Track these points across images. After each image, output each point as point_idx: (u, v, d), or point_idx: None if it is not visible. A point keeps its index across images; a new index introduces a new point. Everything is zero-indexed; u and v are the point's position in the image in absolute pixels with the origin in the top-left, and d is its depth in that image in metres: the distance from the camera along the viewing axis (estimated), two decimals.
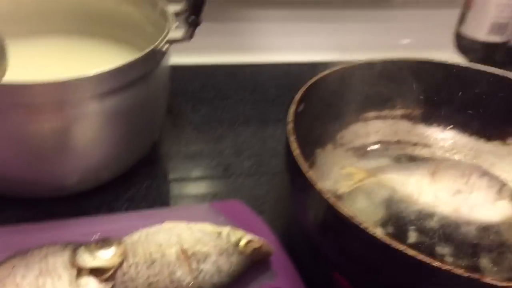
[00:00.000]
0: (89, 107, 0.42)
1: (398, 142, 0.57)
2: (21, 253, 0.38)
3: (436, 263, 0.31)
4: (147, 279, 0.37)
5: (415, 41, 0.85)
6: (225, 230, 0.41)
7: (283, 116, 0.63)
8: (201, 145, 0.58)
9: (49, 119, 0.42)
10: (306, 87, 0.48)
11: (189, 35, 0.46)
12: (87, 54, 0.54)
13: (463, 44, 0.84)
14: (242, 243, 0.40)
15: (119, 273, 0.37)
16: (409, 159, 0.56)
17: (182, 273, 0.37)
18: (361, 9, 0.79)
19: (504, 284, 0.29)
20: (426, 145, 0.57)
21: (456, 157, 0.56)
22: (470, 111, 0.56)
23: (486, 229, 0.47)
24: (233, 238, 0.40)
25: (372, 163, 0.55)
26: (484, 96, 0.55)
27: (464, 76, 0.55)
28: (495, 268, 0.43)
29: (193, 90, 0.67)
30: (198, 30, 0.47)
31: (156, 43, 0.44)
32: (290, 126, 0.42)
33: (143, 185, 0.51)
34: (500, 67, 0.81)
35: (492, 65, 0.76)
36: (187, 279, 0.37)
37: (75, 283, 0.36)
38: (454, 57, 0.82)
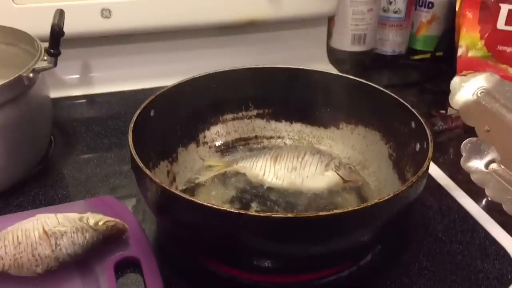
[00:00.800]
0: None
1: (256, 137, 0.68)
2: None
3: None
4: (13, 256, 0.45)
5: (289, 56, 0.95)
6: (86, 215, 0.50)
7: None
8: (88, 156, 0.67)
9: None
10: (155, 95, 0.57)
11: (53, 64, 0.57)
12: None
13: (334, 55, 0.97)
14: (100, 223, 0.49)
15: None
16: (264, 149, 0.66)
17: (42, 249, 0.45)
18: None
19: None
20: (279, 137, 0.68)
21: (304, 143, 0.67)
22: (309, 106, 0.67)
23: (316, 196, 0.57)
24: (92, 220, 0.49)
25: (231, 156, 0.65)
26: (320, 93, 0.66)
27: (301, 77, 0.66)
28: None
29: (88, 117, 0.77)
30: None
31: (24, 70, 0.54)
32: (131, 126, 0.51)
33: (31, 193, 0.60)
34: (367, 72, 0.94)
35: (362, 71, 0.89)
36: (46, 252, 0.45)
37: None
38: (329, 68, 0.94)
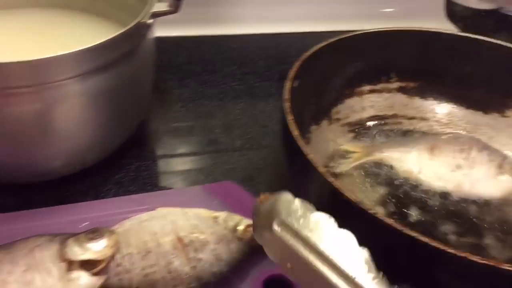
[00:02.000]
0: (70, 87, 0.39)
1: (394, 116, 0.56)
2: (5, 247, 0.36)
3: (451, 250, 0.29)
4: (143, 270, 0.35)
5: (399, 9, 0.82)
6: (222, 215, 0.39)
7: (274, 91, 0.61)
8: (190, 122, 0.55)
9: (28, 102, 0.39)
10: (300, 62, 0.45)
11: (175, 8, 0.43)
12: (66, 29, 0.50)
13: (454, 11, 0.82)
14: (240, 228, 0.38)
15: (112, 265, 0.35)
16: (406, 134, 0.54)
17: (179, 263, 0.35)
18: None
19: None
20: (423, 119, 0.55)
21: (454, 130, 0.54)
22: (466, 83, 0.54)
23: (488, 205, 0.46)
24: (231, 223, 0.38)
25: (368, 139, 0.53)
26: (481, 67, 0.53)
27: (459, 46, 0.53)
28: (500, 246, 0.42)
29: (179, 64, 0.64)
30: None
31: (141, 16, 0.41)
32: (287, 105, 0.40)
33: (131, 167, 0.49)
34: (492, 35, 0.79)
35: (484, 33, 0.74)
36: (185, 269, 0.35)
37: (66, 277, 0.34)
38: (444, 25, 0.80)
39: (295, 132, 0.37)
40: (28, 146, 0.41)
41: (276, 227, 0.31)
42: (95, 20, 0.52)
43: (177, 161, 0.51)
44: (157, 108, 0.56)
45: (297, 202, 0.32)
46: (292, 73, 0.43)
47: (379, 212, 0.32)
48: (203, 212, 0.39)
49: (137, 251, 0.35)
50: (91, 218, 0.41)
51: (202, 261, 0.35)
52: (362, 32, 0.51)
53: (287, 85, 0.42)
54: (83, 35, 0.50)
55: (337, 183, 0.34)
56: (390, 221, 0.32)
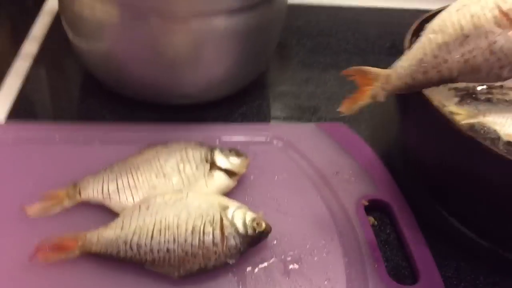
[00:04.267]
0: (218, 22, 0.46)
1: (501, 87, 0.58)
2: (161, 144, 0.44)
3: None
4: (462, 57, 0.33)
5: None
6: None
7: (383, 57, 0.66)
8: (307, 74, 0.61)
9: (182, 30, 0.46)
10: (421, 20, 0.49)
11: None
12: None
13: None
14: None
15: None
16: (510, 103, 0.56)
17: (505, 41, 0.31)
18: None
19: None
20: None
21: None
22: None
23: None
24: None
25: (473, 105, 0.56)
26: None
27: None
28: None
29: (298, 26, 0.70)
30: None
31: None
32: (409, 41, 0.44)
33: (254, 104, 0.56)
34: None
35: None
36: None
37: (209, 174, 0.42)
38: None
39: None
40: (178, 69, 0.49)
41: None
42: None
43: (294, 103, 0.57)
44: (277, 60, 0.63)
45: None
46: (413, 27, 0.47)
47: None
48: None
49: (454, 37, 0.34)
50: (221, 138, 0.49)
51: None
52: None
53: (407, 37, 0.46)
54: None
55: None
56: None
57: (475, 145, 0.37)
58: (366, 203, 0.43)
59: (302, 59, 0.64)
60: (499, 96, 0.57)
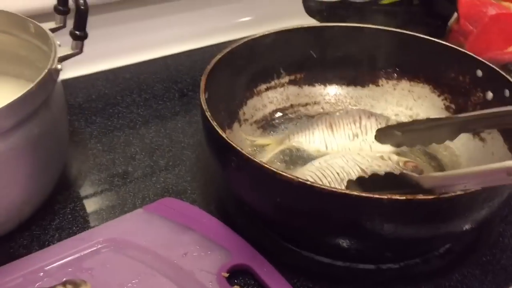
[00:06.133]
0: None
1: (291, 106, 0.63)
2: None
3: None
4: None
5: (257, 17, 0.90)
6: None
7: (178, 108, 0.65)
8: (109, 155, 0.57)
9: None
10: (205, 76, 0.49)
11: (80, 49, 0.46)
12: None
13: (310, 7, 0.92)
14: None
15: None
16: (305, 119, 0.61)
17: None
18: None
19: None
20: (315, 103, 0.63)
21: (343, 107, 0.63)
22: (341, 65, 0.62)
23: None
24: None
25: (276, 131, 0.59)
26: (348, 49, 0.62)
27: (328, 34, 0.61)
28: None
29: (80, 103, 0.65)
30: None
31: (50, 63, 0.43)
32: (208, 114, 0.44)
33: (67, 210, 0.50)
34: (345, 21, 0.90)
35: (339, 21, 0.85)
36: None
37: None
38: (308, 21, 0.89)
39: (223, 133, 0.42)
40: None
41: None
42: None
43: (110, 193, 0.52)
44: (73, 149, 0.57)
45: None
46: (202, 85, 0.47)
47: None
48: None
49: None
50: (46, 268, 0.42)
51: None
52: (244, 41, 0.56)
53: (202, 97, 0.46)
54: None
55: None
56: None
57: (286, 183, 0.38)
58: (227, 275, 0.41)
59: (99, 139, 0.60)
60: (294, 115, 0.62)
